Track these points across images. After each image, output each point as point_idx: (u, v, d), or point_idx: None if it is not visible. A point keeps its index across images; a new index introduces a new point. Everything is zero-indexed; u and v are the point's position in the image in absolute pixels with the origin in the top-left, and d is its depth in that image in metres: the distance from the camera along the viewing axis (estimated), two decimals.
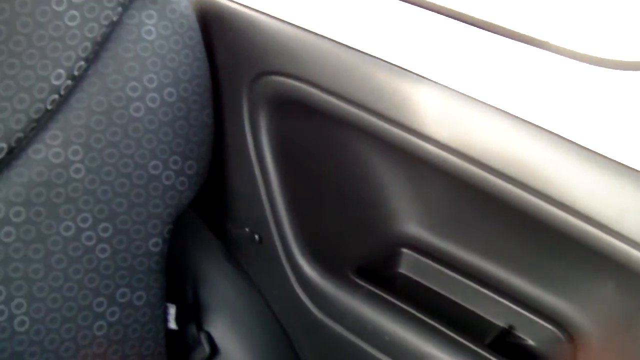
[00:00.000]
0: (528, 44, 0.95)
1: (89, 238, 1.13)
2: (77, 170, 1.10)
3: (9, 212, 1.07)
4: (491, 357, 1.14)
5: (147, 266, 1.19)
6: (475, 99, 0.98)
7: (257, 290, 1.39)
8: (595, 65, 0.90)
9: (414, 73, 1.03)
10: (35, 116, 1.05)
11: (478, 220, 1.26)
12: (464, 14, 1.00)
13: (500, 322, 1.24)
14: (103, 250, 1.14)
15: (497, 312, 1.24)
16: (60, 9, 1.06)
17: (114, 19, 1.10)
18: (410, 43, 1.04)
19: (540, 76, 0.93)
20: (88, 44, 1.08)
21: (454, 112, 1.00)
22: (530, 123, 0.94)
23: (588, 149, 0.90)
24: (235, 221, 1.39)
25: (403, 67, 1.04)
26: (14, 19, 1.03)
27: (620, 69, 0.89)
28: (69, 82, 1.07)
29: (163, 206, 1.18)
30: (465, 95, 0.98)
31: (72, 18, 1.06)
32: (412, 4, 1.04)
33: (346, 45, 1.09)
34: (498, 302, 1.24)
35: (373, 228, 1.36)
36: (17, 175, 1.07)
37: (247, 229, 1.36)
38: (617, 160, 0.89)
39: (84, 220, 1.12)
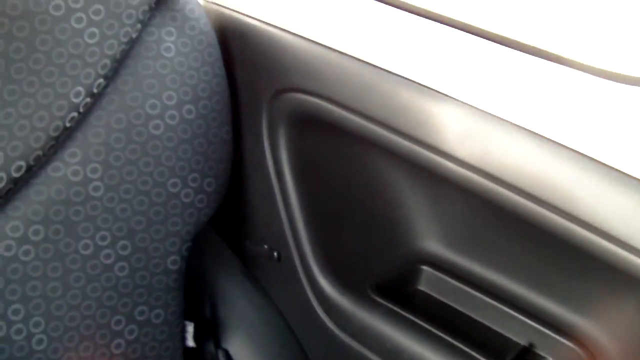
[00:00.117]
0: (546, 59, 0.94)
1: (108, 256, 1.13)
2: (96, 188, 1.10)
3: (28, 231, 1.06)
4: None
5: (166, 284, 1.18)
6: (496, 116, 0.97)
7: (275, 307, 1.39)
8: (614, 81, 0.90)
9: (435, 90, 1.02)
10: (54, 134, 1.05)
11: (498, 237, 1.26)
12: (482, 29, 1.00)
13: (521, 340, 1.22)
14: (122, 269, 1.14)
15: (517, 329, 1.23)
16: (79, 26, 1.05)
17: (133, 36, 1.10)
18: (431, 60, 1.04)
19: (558, 91, 0.93)
20: (107, 61, 1.08)
21: (475, 130, 1.00)
22: (552, 140, 0.93)
23: (610, 167, 0.90)
24: (253, 238, 1.39)
25: (424, 84, 1.03)
26: (33, 36, 1.03)
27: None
28: (88, 99, 1.07)
29: (182, 224, 1.18)
30: (486, 112, 0.98)
31: (92, 35, 1.06)
32: (431, 19, 1.04)
33: (367, 62, 1.09)
34: (518, 319, 1.23)
35: (392, 245, 1.35)
36: (36, 194, 1.07)
37: (265, 246, 1.36)
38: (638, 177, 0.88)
39: (103, 238, 1.12)
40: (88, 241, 1.11)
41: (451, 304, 1.31)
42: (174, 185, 1.16)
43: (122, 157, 1.11)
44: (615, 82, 0.90)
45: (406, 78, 1.05)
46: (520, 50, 0.97)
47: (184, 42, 1.14)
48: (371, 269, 1.33)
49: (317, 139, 1.25)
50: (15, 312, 1.07)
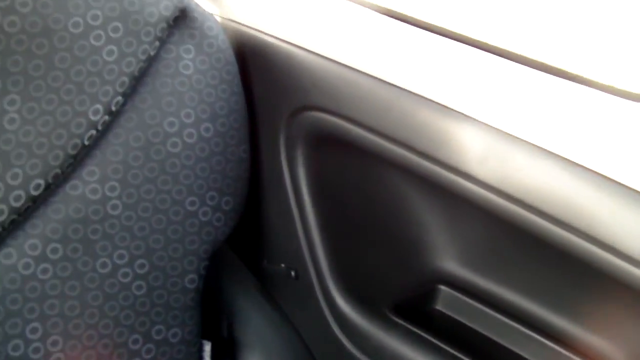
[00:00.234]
0: (566, 78, 0.94)
1: (125, 275, 1.12)
2: (114, 207, 1.10)
3: (46, 249, 1.06)
4: None
5: (183, 303, 1.18)
6: (515, 136, 0.97)
7: (292, 326, 1.38)
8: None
9: (454, 110, 1.02)
10: (72, 152, 1.05)
11: (516, 258, 1.25)
12: (501, 48, 1.00)
13: None
14: (139, 287, 1.14)
15: (535, 350, 1.22)
16: (98, 43, 1.06)
17: (152, 53, 1.10)
18: (450, 79, 1.03)
19: (577, 111, 0.93)
20: (126, 78, 1.08)
21: (494, 150, 0.99)
22: (571, 161, 0.93)
23: (630, 188, 0.89)
24: (271, 257, 1.39)
25: (444, 104, 1.03)
26: (52, 54, 1.03)
27: None
28: (107, 117, 1.07)
29: (199, 242, 1.18)
30: (505, 132, 0.98)
31: (110, 53, 1.06)
32: (452, 39, 1.04)
33: (385, 81, 1.08)
34: (537, 340, 1.22)
35: (410, 264, 1.35)
36: (54, 212, 1.07)
37: (283, 265, 1.35)
38: None
39: (121, 256, 1.12)
40: (106, 260, 1.11)
41: (469, 324, 1.31)
42: (192, 203, 1.16)
43: (141, 176, 1.11)
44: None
45: (425, 97, 1.04)
46: (539, 70, 0.97)
47: (202, 59, 1.14)
48: (389, 288, 1.33)
49: (336, 158, 1.25)
50: (33, 330, 1.07)
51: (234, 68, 1.18)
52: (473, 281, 1.32)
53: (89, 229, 1.09)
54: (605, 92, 0.91)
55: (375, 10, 1.13)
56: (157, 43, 1.10)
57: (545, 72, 0.96)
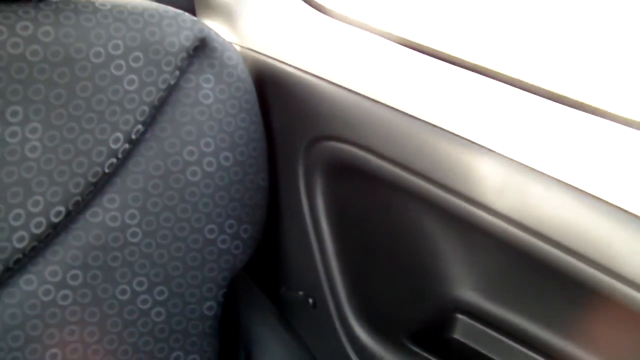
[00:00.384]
0: (584, 111, 0.94)
1: (145, 302, 1.13)
2: (134, 234, 1.11)
3: (66, 276, 1.07)
4: None
5: (201, 330, 1.19)
6: (533, 168, 0.97)
7: (310, 354, 1.38)
8: None
9: (473, 142, 1.02)
10: (93, 180, 1.06)
11: (534, 288, 1.24)
12: (519, 80, 1.00)
13: None
14: (158, 314, 1.14)
15: None
16: (119, 73, 1.07)
17: (172, 82, 1.11)
18: (469, 111, 1.04)
19: (594, 143, 0.93)
20: (146, 107, 1.08)
21: (513, 182, 0.99)
22: (589, 193, 0.93)
23: None
24: (289, 285, 1.39)
25: (462, 135, 1.03)
26: (74, 83, 1.04)
27: None
28: (127, 145, 1.08)
29: (218, 270, 1.18)
30: (524, 165, 0.98)
31: (131, 82, 1.07)
32: (471, 70, 1.04)
33: (404, 112, 1.09)
34: None
35: (428, 293, 1.34)
36: (74, 239, 1.07)
37: (301, 293, 1.35)
38: None
39: (140, 283, 1.12)
40: (125, 286, 1.11)
41: (487, 353, 1.30)
42: (211, 231, 1.16)
43: (160, 203, 1.12)
44: None
45: (444, 129, 1.05)
46: (557, 102, 0.97)
47: (221, 89, 1.15)
48: (406, 316, 1.32)
49: (354, 187, 1.25)
50: (53, 356, 1.08)
51: (253, 97, 1.19)
52: (491, 310, 1.32)
53: (109, 256, 1.10)
54: (624, 124, 0.91)
55: (394, 41, 1.13)
56: (177, 72, 1.11)
57: (563, 104, 0.96)
